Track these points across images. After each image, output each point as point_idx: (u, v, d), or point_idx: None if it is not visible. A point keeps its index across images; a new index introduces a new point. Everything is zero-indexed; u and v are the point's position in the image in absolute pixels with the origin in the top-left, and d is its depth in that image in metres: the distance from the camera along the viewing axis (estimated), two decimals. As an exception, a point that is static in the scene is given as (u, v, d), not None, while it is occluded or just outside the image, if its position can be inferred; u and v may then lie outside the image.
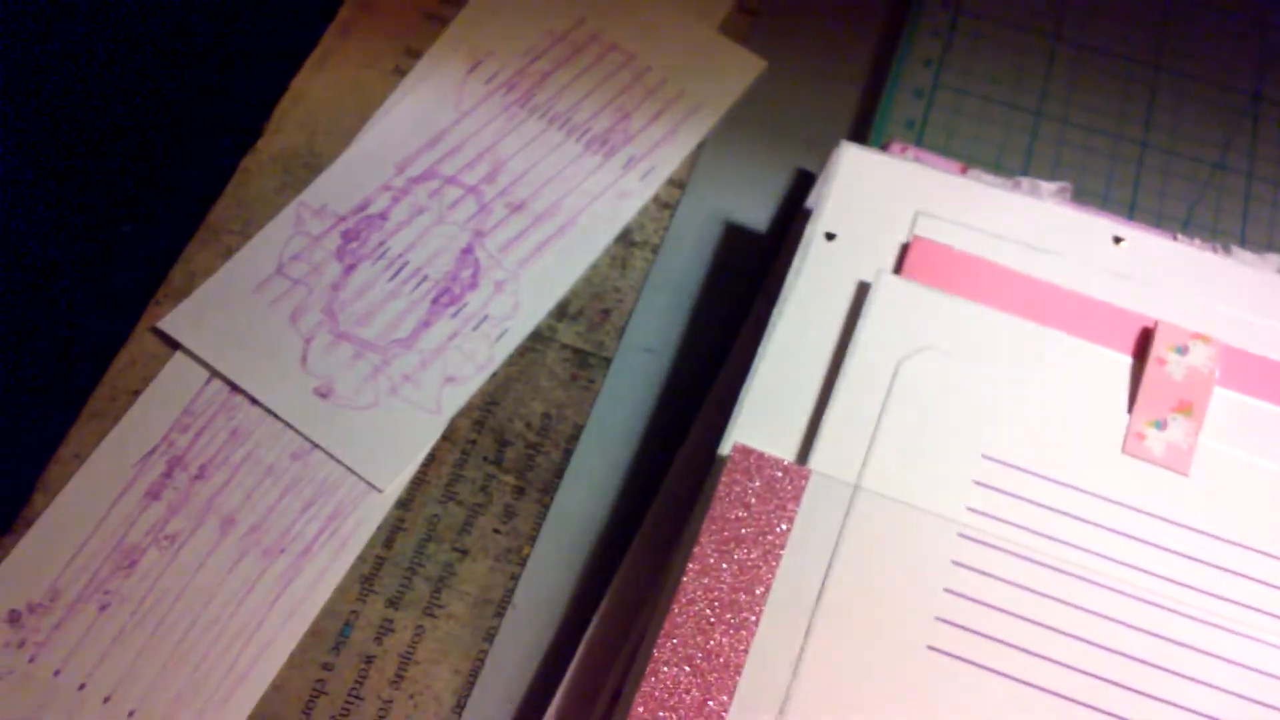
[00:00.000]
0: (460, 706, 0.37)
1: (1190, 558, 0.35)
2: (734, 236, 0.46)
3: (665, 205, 0.46)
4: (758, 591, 0.35)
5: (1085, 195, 0.46)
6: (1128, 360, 0.38)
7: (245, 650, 0.37)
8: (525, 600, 0.38)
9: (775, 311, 0.39)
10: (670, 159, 0.47)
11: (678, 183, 0.46)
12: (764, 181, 0.47)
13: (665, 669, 0.33)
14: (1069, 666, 0.34)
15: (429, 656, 0.38)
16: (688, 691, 0.33)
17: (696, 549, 0.35)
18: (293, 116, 0.47)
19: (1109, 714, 0.33)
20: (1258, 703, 0.34)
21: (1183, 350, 0.38)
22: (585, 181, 0.46)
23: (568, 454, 0.41)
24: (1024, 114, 0.48)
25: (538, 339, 0.43)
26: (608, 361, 0.43)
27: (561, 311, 0.44)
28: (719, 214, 0.46)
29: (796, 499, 0.36)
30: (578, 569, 0.39)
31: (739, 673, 0.33)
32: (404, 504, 0.40)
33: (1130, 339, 0.39)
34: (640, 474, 0.40)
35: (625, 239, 0.45)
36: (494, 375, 0.42)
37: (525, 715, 0.36)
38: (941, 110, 0.48)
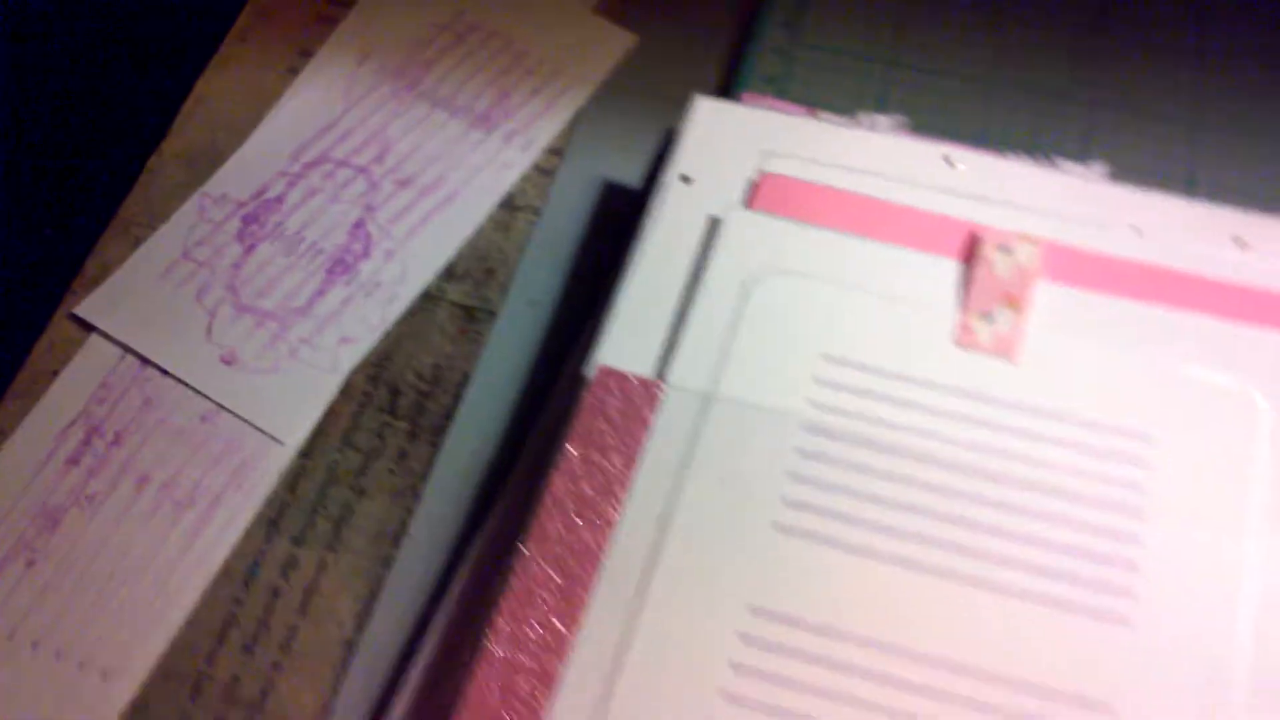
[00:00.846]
0: (360, 628, 0.40)
1: (1019, 431, 0.38)
2: (610, 194, 0.49)
3: (545, 172, 0.49)
4: (619, 493, 0.37)
5: (932, 130, 0.49)
6: (959, 265, 0.41)
7: (162, 592, 0.40)
8: (419, 531, 0.41)
9: (635, 248, 0.42)
10: (548, 130, 0.50)
11: (556, 150, 0.50)
12: (637, 143, 0.50)
13: (535, 566, 0.36)
14: (908, 535, 0.37)
15: (331, 587, 0.41)
16: (554, 581, 0.36)
17: (563, 458, 0.38)
18: (195, 117, 0.51)
19: (948, 575, 0.36)
20: (1080, 553, 0.36)
21: (1007, 250, 0.41)
22: (469, 156, 0.49)
23: (457, 400, 0.44)
24: (878, 64, 0.51)
25: (427, 299, 0.46)
26: (493, 315, 0.46)
27: (449, 273, 0.47)
28: (596, 176, 0.49)
29: (653, 409, 0.39)
30: (467, 502, 0.42)
31: (600, 565, 0.36)
32: (305, 454, 0.43)
33: (962, 246, 0.42)
34: (524, 415, 0.43)
35: (508, 205, 0.48)
36: (387, 334, 0.45)
37: (418, 632, 0.39)
38: (800, 66, 0.51)
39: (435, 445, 0.43)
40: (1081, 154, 0.48)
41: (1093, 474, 0.38)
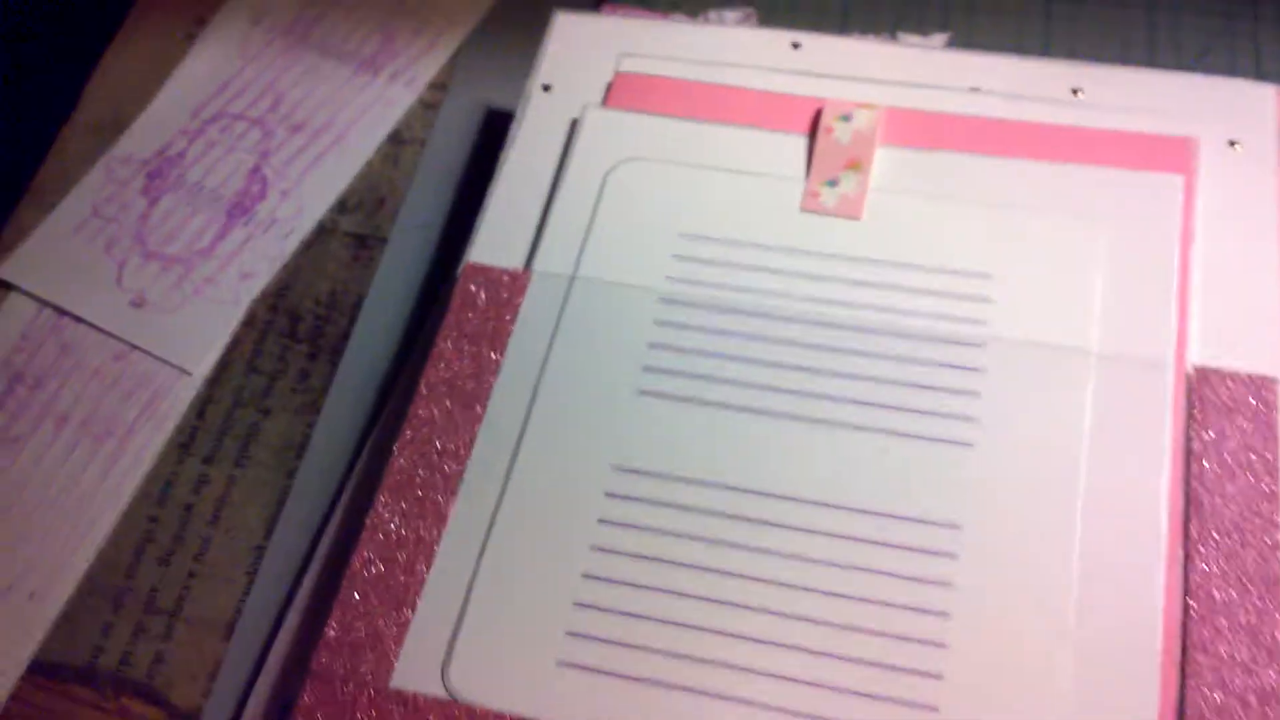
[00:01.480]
0: (269, 534, 0.42)
1: (864, 283, 0.40)
2: (494, 121, 0.51)
3: (430, 105, 0.52)
4: (489, 377, 0.40)
5: (795, 22, 0.51)
6: (806, 139, 0.43)
7: (83, 517, 0.43)
8: (319, 442, 0.44)
9: (501, 155, 0.45)
10: (430, 66, 0.52)
11: (440, 85, 0.52)
12: (519, 71, 0.52)
13: (410, 451, 0.39)
14: (764, 387, 0.38)
15: (241, 499, 0.43)
16: (428, 461, 0.38)
17: (435, 349, 0.40)
18: (102, 89, 0.53)
19: (803, 419, 0.38)
20: (927, 385, 0.38)
21: (848, 118, 0.43)
22: (356, 98, 0.52)
23: (353, 321, 0.46)
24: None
25: (322, 231, 0.49)
26: (384, 242, 0.48)
27: (342, 206, 0.49)
28: (480, 105, 0.51)
29: (519, 296, 0.41)
30: (363, 412, 0.44)
31: (472, 444, 0.38)
32: (212, 382, 0.46)
33: (807, 121, 0.44)
34: (414, 330, 0.46)
35: (395, 139, 0.51)
36: (285, 266, 0.48)
37: (320, 533, 0.41)
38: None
39: (334, 364, 0.45)
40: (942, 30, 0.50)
41: (937, 314, 0.39)
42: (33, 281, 0.48)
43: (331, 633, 0.36)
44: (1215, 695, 0.32)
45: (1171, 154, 0.41)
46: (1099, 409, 0.37)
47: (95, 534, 0.42)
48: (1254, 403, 0.36)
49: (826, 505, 0.36)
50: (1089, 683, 0.33)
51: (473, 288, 0.41)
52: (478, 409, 0.39)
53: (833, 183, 0.42)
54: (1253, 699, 0.32)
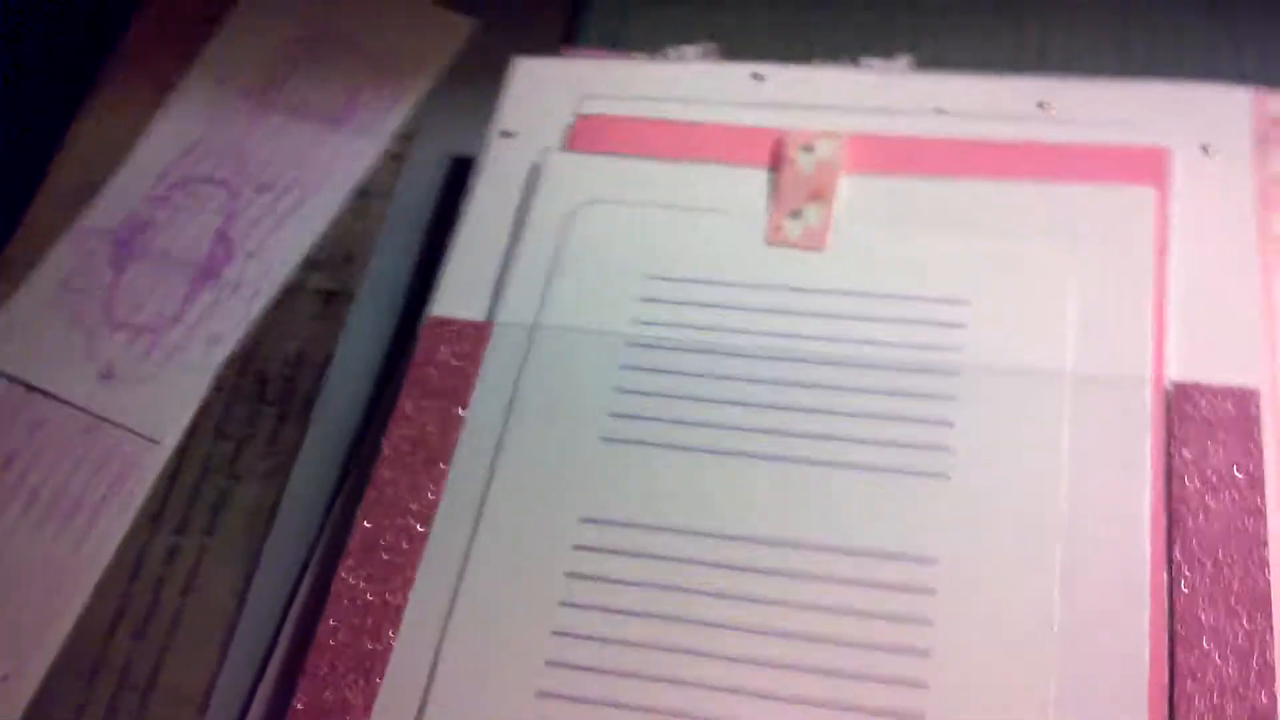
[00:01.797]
0: (242, 601, 0.41)
1: (832, 315, 0.39)
2: (461, 169, 0.50)
3: (396, 157, 0.51)
4: (453, 433, 0.39)
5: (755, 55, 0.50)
6: (769, 172, 0.42)
7: (54, 595, 0.42)
8: (290, 506, 0.43)
9: (463, 205, 0.44)
10: (395, 117, 0.52)
11: (407, 135, 0.52)
12: (484, 119, 0.51)
13: (373, 513, 0.38)
14: (732, 427, 0.37)
15: (212, 568, 0.42)
16: (395, 522, 0.37)
17: (398, 408, 0.39)
18: (71, 156, 0.53)
19: (773, 458, 0.37)
20: (899, 415, 0.37)
21: (810, 148, 0.42)
22: (322, 155, 0.51)
23: (322, 379, 0.46)
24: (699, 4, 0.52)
25: (289, 290, 0.48)
26: (352, 296, 0.48)
27: (310, 264, 0.49)
28: (446, 155, 0.51)
29: (482, 348, 0.40)
30: (333, 473, 0.43)
31: (438, 502, 0.37)
32: (181, 450, 0.45)
33: (770, 153, 0.43)
34: (384, 386, 0.45)
35: (362, 193, 0.50)
36: (252, 327, 0.47)
37: (291, 599, 0.40)
38: (636, 21, 0.53)
39: (303, 426, 0.45)
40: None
41: (908, 343, 0.38)
42: (1, 358, 0.47)
43: (299, 705, 0.35)
44: (1208, 723, 0.31)
45: (1143, 165, 0.40)
46: (1077, 432, 0.36)
47: (68, 612, 0.42)
48: (1235, 415, 0.35)
49: (801, 546, 0.35)
50: (1074, 717, 0.31)
51: (434, 342, 0.41)
52: (442, 466, 0.38)
53: (796, 214, 0.41)
54: (1252, 726, 0.31)
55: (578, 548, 0.36)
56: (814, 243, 0.41)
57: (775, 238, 0.41)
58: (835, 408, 0.37)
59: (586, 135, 0.45)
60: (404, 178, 0.51)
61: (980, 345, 0.38)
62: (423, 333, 0.41)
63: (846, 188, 0.42)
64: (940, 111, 0.43)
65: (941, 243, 0.40)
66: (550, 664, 0.35)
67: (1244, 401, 0.35)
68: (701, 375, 0.39)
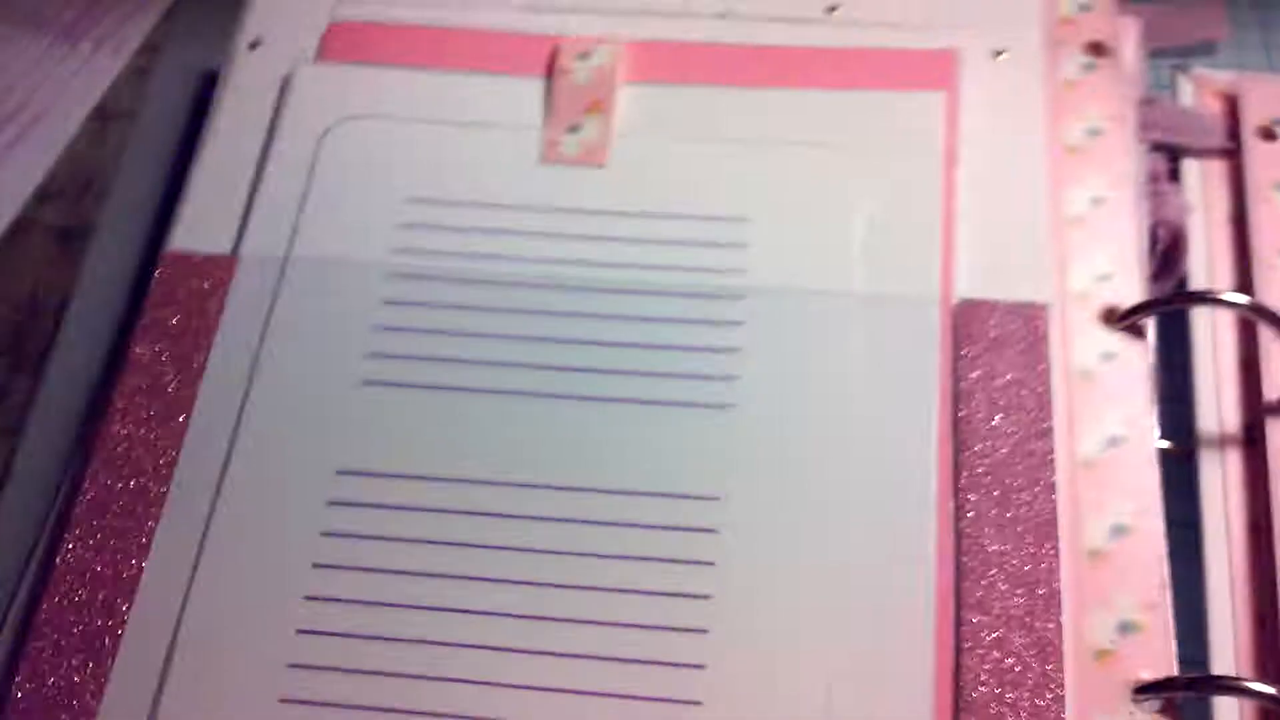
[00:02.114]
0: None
1: (612, 238, 0.36)
2: (212, 86, 0.45)
3: (139, 71, 0.46)
4: (192, 383, 0.35)
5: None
6: (545, 82, 0.39)
7: None
8: (24, 465, 0.38)
9: (205, 125, 0.40)
10: (139, 27, 0.47)
11: (151, 47, 0.46)
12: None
13: (102, 479, 0.34)
14: (507, 364, 0.34)
15: (-68, 542, 0.37)
16: (128, 485, 0.33)
17: (131, 355, 0.35)
18: None
19: (550, 396, 0.34)
20: (683, 343, 0.34)
21: (587, 56, 0.39)
22: (54, 71, 0.46)
23: (59, 325, 0.41)
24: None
25: (18, 227, 0.43)
26: (91, 231, 0.43)
27: (42, 195, 0.43)
28: (196, 67, 0.46)
29: (225, 285, 0.36)
30: (72, 435, 0.38)
31: (175, 462, 0.34)
32: (-104, 411, 0.40)
33: (546, 63, 0.39)
34: (129, 331, 0.40)
35: (101, 114, 0.45)
36: (-22, 270, 0.42)
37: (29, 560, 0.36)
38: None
39: (38, 377, 0.40)
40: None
41: (692, 266, 0.36)
42: None
43: (19, 694, 0.31)
44: (993, 654, 0.30)
45: (932, 70, 0.38)
46: (864, 354, 0.34)
47: None
48: (1023, 332, 0.34)
49: (577, 490, 0.33)
50: (859, 653, 0.30)
51: (173, 280, 0.36)
52: (181, 420, 0.34)
53: (574, 129, 0.38)
54: (1032, 656, 0.29)
55: (333, 503, 0.33)
56: (593, 159, 0.37)
57: (551, 155, 0.38)
58: (613, 338, 0.35)
59: (341, 44, 0.40)
60: (149, 96, 0.45)
61: (766, 266, 0.35)
62: (160, 270, 0.37)
63: (627, 98, 0.39)
64: (726, 15, 0.40)
65: (725, 157, 0.37)
66: (302, 632, 0.31)
67: (1032, 318, 0.34)
68: (469, 308, 0.35)
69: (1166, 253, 0.38)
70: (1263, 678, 0.31)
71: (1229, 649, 0.32)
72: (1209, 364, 0.36)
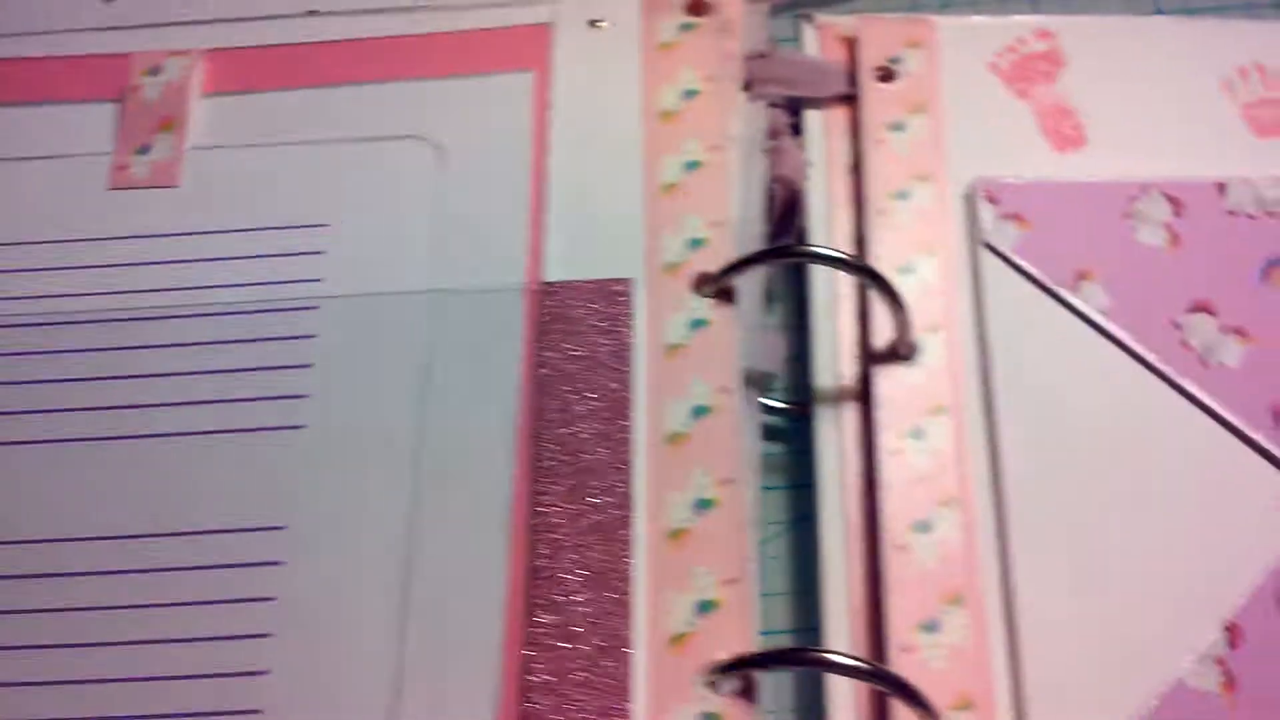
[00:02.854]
0: None
1: (185, 261, 0.34)
2: None
3: None
4: None
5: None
6: (114, 107, 0.37)
7: None
8: None
9: None
10: None
11: None
12: None
13: None
14: (54, 410, 0.32)
15: None
16: None
17: None
18: None
19: (98, 440, 0.32)
20: (256, 368, 0.32)
21: (157, 71, 0.37)
22: None
23: None
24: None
25: None
26: None
27: None
28: None
29: None
30: None
31: None
32: None
33: (117, 84, 0.37)
34: None
35: None
36: None
37: None
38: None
39: None
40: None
41: (265, 280, 0.34)
42: None
43: None
44: (559, 651, 0.28)
45: (524, 48, 0.37)
46: (445, 353, 0.32)
47: None
48: (606, 311, 0.32)
49: (127, 538, 0.30)
50: (427, 657, 0.28)
51: None
52: None
53: (143, 150, 0.36)
54: (600, 652, 0.28)
55: None
56: (164, 179, 0.35)
57: (120, 180, 0.35)
58: (177, 368, 0.32)
59: (-93, 87, 0.38)
60: None
61: (342, 273, 0.33)
62: None
63: (204, 112, 0.36)
64: (313, 14, 0.38)
65: (304, 162, 0.35)
66: None
67: (615, 296, 0.32)
68: (34, 353, 0.33)
69: (784, 209, 0.36)
70: (877, 648, 0.29)
71: (844, 620, 0.30)
72: (827, 319, 0.34)
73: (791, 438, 0.35)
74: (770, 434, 0.35)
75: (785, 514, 0.34)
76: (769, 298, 0.36)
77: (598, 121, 0.35)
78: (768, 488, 0.34)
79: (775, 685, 0.31)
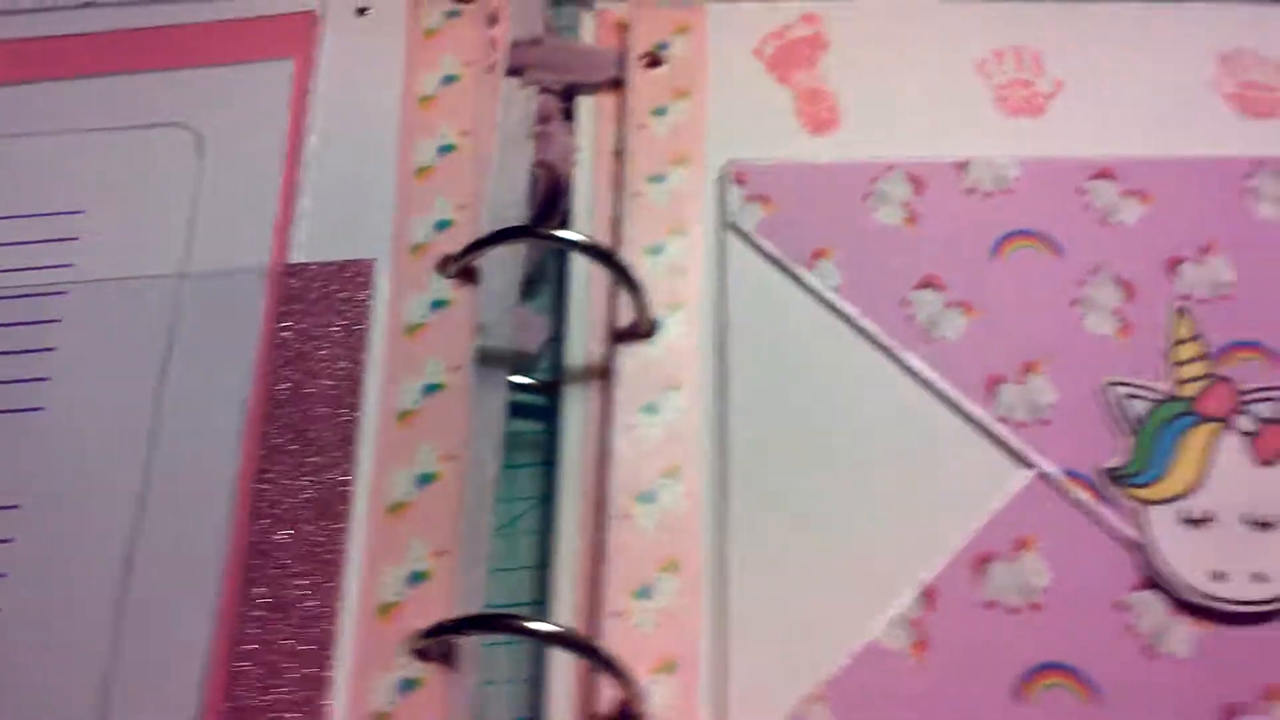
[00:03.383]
0: None
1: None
2: None
3: None
4: None
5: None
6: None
7: None
8: None
9: None
10: None
11: None
12: None
13: None
14: None
15: None
16: None
17: None
18: None
19: None
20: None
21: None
22: None
23: None
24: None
25: None
26: None
27: None
28: None
29: None
30: None
31: None
32: None
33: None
34: None
35: None
36: None
37: None
38: None
39: None
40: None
41: (16, 268, 0.34)
42: None
43: None
44: (267, 633, 0.28)
45: (288, 36, 0.37)
46: (185, 337, 0.33)
47: None
48: (345, 291, 0.33)
49: None
50: (138, 646, 0.29)
51: None
52: None
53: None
54: (306, 630, 0.28)
55: None
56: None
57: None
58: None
59: None
60: None
61: (92, 259, 0.34)
62: None
63: (-25, 105, 0.37)
64: (90, 4, 0.39)
65: (63, 152, 0.36)
66: None
67: (354, 276, 0.33)
68: None
69: (548, 194, 0.37)
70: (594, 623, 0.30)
71: (569, 589, 0.31)
72: (581, 299, 0.35)
73: (548, 417, 0.36)
74: (528, 413, 0.35)
75: (536, 491, 0.35)
76: (532, 280, 0.37)
77: (357, 107, 0.36)
78: (521, 465, 0.35)
79: (510, 656, 0.31)
